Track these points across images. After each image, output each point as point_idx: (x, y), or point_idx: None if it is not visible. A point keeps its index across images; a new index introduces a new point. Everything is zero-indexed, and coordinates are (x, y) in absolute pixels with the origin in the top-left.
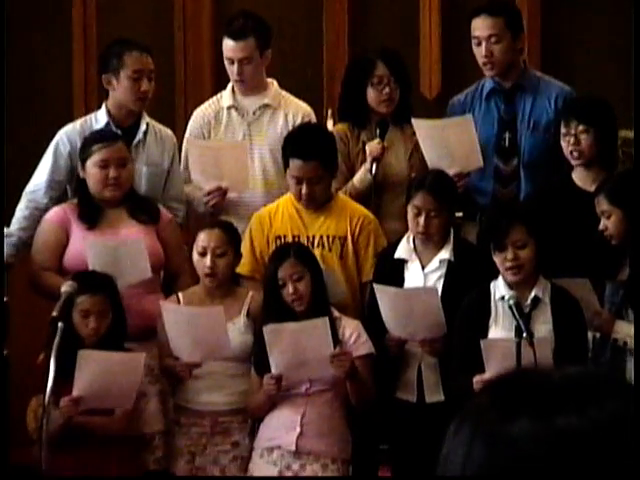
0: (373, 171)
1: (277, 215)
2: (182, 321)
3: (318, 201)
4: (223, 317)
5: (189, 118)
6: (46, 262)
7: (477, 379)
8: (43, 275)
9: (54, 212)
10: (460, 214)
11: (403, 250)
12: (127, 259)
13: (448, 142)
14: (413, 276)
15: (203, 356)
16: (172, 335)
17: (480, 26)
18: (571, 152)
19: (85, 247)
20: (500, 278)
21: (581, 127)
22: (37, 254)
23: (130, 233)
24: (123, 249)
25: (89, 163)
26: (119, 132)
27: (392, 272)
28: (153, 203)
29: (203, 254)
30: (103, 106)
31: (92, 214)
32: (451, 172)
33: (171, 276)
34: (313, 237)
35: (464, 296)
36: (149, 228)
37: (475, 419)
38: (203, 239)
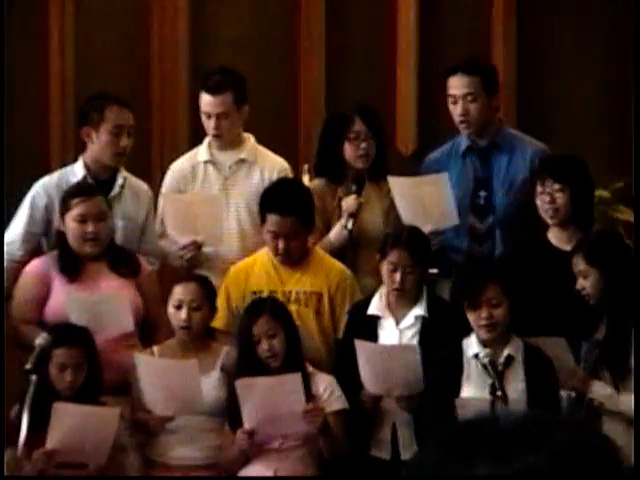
0: (349, 226)
1: (254, 270)
2: (155, 374)
3: (295, 256)
4: (197, 371)
5: (165, 172)
6: (26, 315)
7: None
8: (23, 328)
9: (34, 265)
10: (435, 271)
11: (376, 307)
12: (109, 313)
13: (423, 200)
14: (388, 333)
15: (176, 410)
16: (145, 387)
17: (456, 85)
18: (546, 210)
19: (66, 302)
20: (473, 336)
21: (557, 186)
22: (17, 307)
23: (111, 286)
24: (105, 303)
25: (68, 217)
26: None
27: (365, 329)
28: (133, 256)
29: (179, 307)
30: (80, 159)
31: (73, 267)
32: (426, 230)
33: (150, 329)
34: (290, 292)
35: (437, 351)
36: (129, 281)
37: (436, 469)
38: (179, 293)
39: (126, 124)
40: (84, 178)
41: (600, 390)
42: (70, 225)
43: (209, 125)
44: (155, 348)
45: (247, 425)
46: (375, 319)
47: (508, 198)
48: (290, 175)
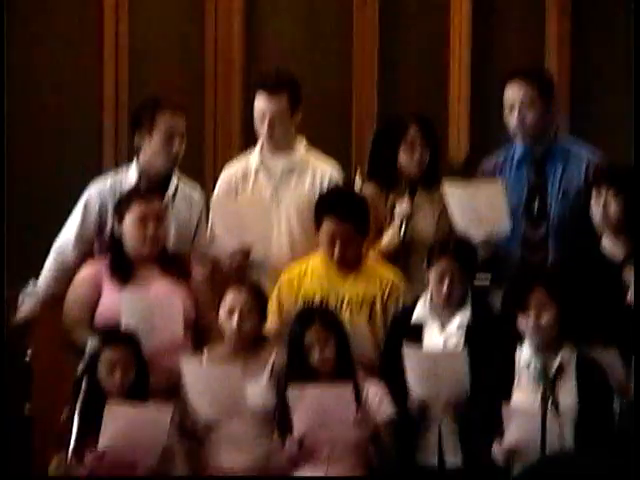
0: (402, 230)
1: (306, 276)
2: (200, 379)
3: (350, 262)
4: (240, 377)
5: (218, 177)
6: (78, 318)
7: (496, 447)
8: (76, 331)
9: (87, 269)
10: (487, 278)
11: (421, 314)
12: (161, 317)
13: (477, 206)
14: (432, 339)
15: (220, 414)
16: (191, 391)
17: (514, 92)
18: (600, 218)
19: (120, 302)
20: (525, 345)
21: (612, 191)
22: (70, 310)
23: (162, 290)
24: (158, 307)
25: (128, 219)
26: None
27: (410, 334)
28: (184, 260)
29: (230, 313)
30: (134, 163)
31: (125, 271)
32: (479, 238)
33: (201, 332)
34: (342, 298)
35: (482, 360)
36: (180, 284)
37: None
38: (231, 299)
39: (177, 130)
40: (137, 183)
41: None
42: (129, 227)
43: (262, 127)
44: (205, 352)
45: (297, 432)
46: (419, 326)
47: (562, 207)
48: (340, 181)
